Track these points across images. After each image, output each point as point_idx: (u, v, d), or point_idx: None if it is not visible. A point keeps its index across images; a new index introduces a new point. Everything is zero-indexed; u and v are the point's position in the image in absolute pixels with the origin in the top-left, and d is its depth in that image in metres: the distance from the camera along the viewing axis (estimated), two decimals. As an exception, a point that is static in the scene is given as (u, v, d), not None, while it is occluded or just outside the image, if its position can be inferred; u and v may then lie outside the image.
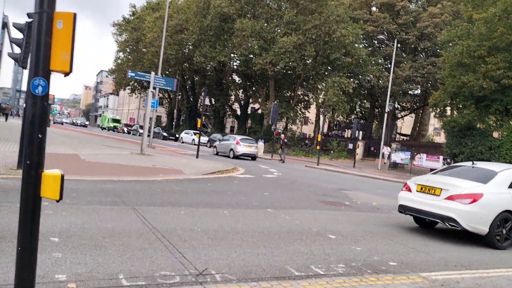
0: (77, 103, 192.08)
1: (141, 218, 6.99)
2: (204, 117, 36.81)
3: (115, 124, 68.87)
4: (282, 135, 28.44)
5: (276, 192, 12.33)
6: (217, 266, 4.96)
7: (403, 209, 8.63)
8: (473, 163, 9.00)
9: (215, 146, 30.89)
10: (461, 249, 7.39)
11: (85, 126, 78.72)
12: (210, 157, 23.89)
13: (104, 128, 69.03)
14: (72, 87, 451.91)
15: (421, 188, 8.25)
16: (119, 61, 59.66)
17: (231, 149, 27.61)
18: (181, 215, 7.56)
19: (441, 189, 7.86)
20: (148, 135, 27.66)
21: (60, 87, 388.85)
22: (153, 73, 18.77)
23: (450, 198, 7.66)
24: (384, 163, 31.85)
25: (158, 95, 40.28)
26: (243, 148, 27.43)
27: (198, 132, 23.79)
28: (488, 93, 24.08)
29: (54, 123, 64.87)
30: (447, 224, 7.79)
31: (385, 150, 33.24)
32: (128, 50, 58.77)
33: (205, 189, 11.49)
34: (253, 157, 28.01)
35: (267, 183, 14.59)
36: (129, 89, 62.21)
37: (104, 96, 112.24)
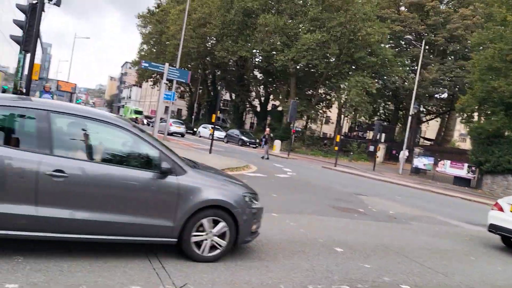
0: (102, 93, 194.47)
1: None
2: (219, 112, 36.83)
3: (137, 115, 69.03)
4: (268, 129, 27.09)
5: (286, 193, 11.64)
6: (199, 281, 4.33)
7: (494, 228, 8.41)
8: None
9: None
10: (484, 271, 6.56)
11: (106, 116, 78.98)
12: (224, 153, 23.31)
13: None
14: (98, 77, 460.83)
15: None
16: (142, 53, 59.80)
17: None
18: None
19: None
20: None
21: (87, 77, 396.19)
22: (167, 64, 18.23)
23: None
24: (403, 168, 30.66)
25: (180, 88, 40.10)
26: (174, 128, 38.13)
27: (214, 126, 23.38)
28: (519, 100, 22.82)
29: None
30: None
31: (401, 153, 31.97)
32: (152, 43, 58.84)
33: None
34: (182, 135, 38.50)
35: (278, 183, 13.91)
36: (151, 81, 62.35)
37: (128, 88, 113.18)
